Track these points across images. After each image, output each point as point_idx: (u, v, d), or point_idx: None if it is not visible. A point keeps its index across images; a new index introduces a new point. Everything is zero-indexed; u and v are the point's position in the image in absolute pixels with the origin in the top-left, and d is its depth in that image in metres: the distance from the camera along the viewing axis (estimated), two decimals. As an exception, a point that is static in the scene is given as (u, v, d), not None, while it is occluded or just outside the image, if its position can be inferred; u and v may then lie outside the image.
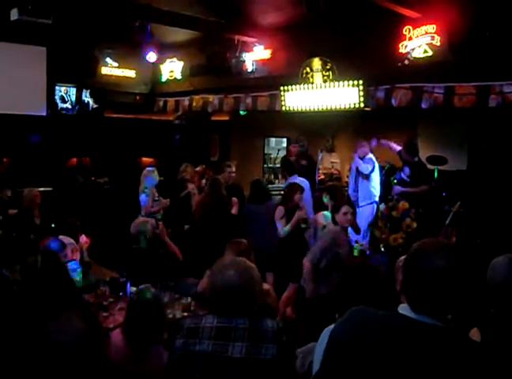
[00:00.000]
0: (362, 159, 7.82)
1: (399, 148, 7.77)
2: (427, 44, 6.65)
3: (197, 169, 9.28)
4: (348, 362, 1.70)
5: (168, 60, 11.26)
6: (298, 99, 8.57)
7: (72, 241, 5.19)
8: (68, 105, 11.05)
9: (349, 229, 7.53)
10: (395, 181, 7.70)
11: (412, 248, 1.77)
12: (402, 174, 7.58)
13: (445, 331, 1.64)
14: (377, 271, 2.63)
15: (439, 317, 1.65)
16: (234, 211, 6.82)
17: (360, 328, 1.74)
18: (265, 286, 3.34)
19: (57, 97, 10.84)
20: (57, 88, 10.81)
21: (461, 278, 1.65)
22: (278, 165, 11.76)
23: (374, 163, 7.84)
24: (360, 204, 7.76)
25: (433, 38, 6.59)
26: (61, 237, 4.94)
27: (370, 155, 7.89)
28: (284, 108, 8.84)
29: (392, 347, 1.63)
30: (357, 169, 7.89)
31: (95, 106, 11.32)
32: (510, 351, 2.22)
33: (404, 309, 1.72)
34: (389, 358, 1.62)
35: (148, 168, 7.76)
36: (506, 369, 1.65)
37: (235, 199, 6.89)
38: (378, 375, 1.63)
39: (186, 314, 4.12)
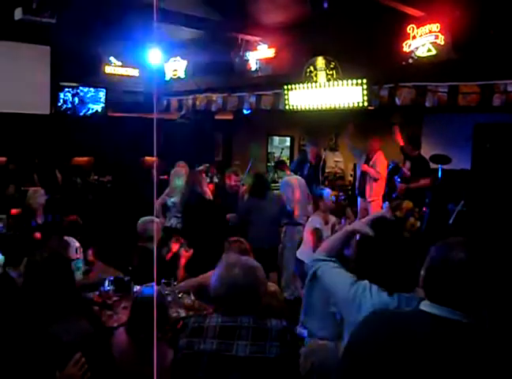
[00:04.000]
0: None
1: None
2: (430, 43, 6.64)
3: (200, 168, 9.28)
4: (372, 365, 1.69)
5: (172, 59, 11.26)
6: (301, 97, 8.56)
7: (75, 241, 5.20)
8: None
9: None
10: (398, 179, 7.71)
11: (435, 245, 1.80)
12: (404, 169, 7.62)
13: (469, 327, 1.64)
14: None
15: (464, 312, 1.65)
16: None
17: (383, 330, 1.74)
18: (272, 287, 3.31)
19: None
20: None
21: (482, 271, 1.67)
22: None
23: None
24: (369, 200, 7.85)
25: (437, 37, 6.58)
26: (65, 238, 4.95)
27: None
28: (287, 107, 8.83)
29: (417, 346, 1.63)
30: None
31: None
32: None
33: (426, 305, 1.73)
34: (414, 356, 1.62)
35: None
36: None
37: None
38: (405, 376, 1.63)
39: (190, 313, 4.12)
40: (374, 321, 1.82)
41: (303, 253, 6.02)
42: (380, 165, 7.88)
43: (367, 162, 8.01)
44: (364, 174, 8.02)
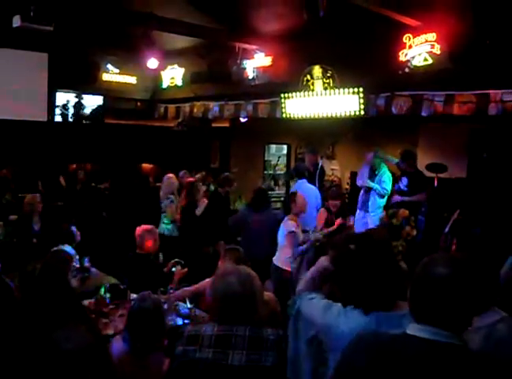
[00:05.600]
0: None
1: (395, 160, 7.76)
2: (427, 52, 6.67)
3: (198, 175, 9.31)
4: None
5: (169, 66, 11.29)
6: (298, 106, 8.59)
7: (71, 249, 5.20)
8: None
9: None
10: (397, 189, 7.67)
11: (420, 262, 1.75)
12: (400, 185, 7.56)
13: (461, 350, 1.60)
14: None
15: (453, 332, 1.61)
16: (198, 212, 7.17)
17: (372, 356, 1.68)
18: (267, 296, 3.31)
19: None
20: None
21: (468, 287, 1.63)
22: (278, 172, 11.79)
23: None
24: (371, 212, 7.77)
25: (433, 46, 6.61)
26: (62, 247, 4.96)
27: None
28: (284, 115, 8.85)
29: (410, 371, 1.58)
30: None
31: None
32: None
33: (413, 329, 1.68)
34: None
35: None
36: None
37: (204, 200, 7.26)
38: None
39: (186, 321, 4.12)
40: (362, 346, 1.75)
41: (278, 259, 6.01)
42: (388, 180, 7.73)
43: (371, 177, 7.83)
44: (368, 189, 7.82)
